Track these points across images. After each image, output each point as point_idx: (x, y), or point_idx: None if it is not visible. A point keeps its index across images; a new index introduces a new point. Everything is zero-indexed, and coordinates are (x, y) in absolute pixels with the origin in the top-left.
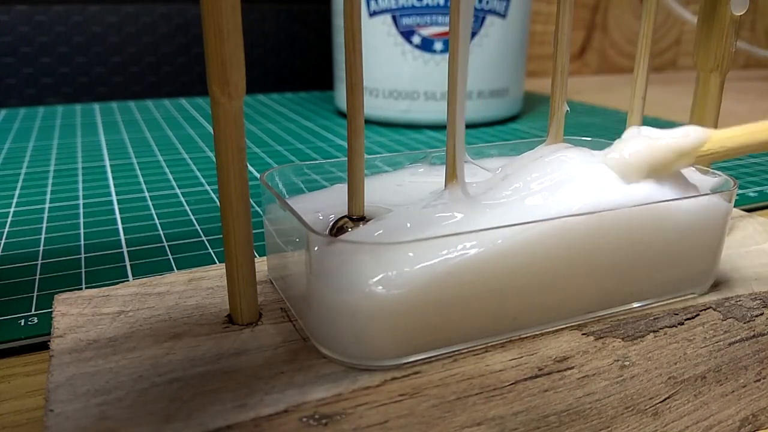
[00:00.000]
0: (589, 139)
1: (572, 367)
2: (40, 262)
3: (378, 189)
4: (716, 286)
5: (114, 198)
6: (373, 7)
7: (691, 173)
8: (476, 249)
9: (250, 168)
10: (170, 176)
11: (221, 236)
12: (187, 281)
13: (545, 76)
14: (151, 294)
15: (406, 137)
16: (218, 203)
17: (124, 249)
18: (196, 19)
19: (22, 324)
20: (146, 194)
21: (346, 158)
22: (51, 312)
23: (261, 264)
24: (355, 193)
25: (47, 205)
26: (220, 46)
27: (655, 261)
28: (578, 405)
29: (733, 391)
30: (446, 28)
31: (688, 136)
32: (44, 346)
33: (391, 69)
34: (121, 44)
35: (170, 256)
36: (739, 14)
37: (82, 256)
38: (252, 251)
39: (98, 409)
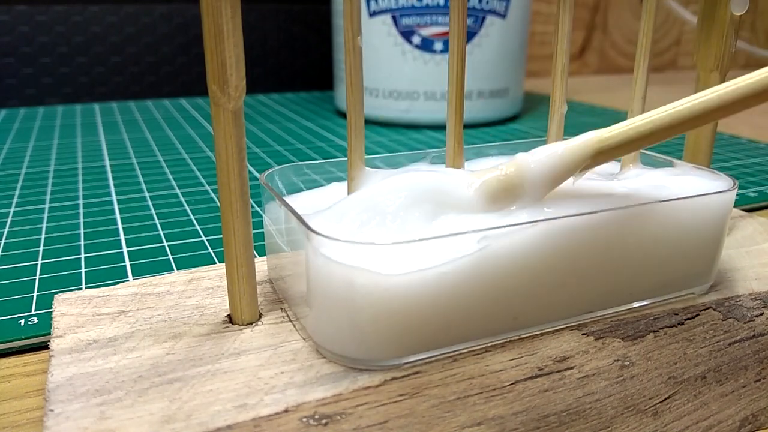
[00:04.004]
0: None
1: (572, 367)
2: (40, 262)
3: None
4: (716, 286)
5: (114, 198)
6: (373, 7)
7: (692, 173)
8: (476, 249)
9: (250, 168)
10: (170, 176)
11: (221, 236)
12: (187, 281)
13: (545, 76)
14: (151, 294)
15: (406, 137)
16: (218, 203)
17: (124, 249)
18: (196, 19)
19: (22, 324)
20: (146, 194)
21: (346, 158)
22: (51, 312)
23: (261, 264)
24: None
25: (47, 205)
26: (220, 46)
27: (655, 261)
28: (578, 405)
29: (733, 391)
30: (446, 28)
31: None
32: (44, 346)
33: (391, 69)
34: (121, 44)
35: (170, 256)
36: (739, 14)
37: (82, 256)
38: (252, 251)
39: (98, 409)
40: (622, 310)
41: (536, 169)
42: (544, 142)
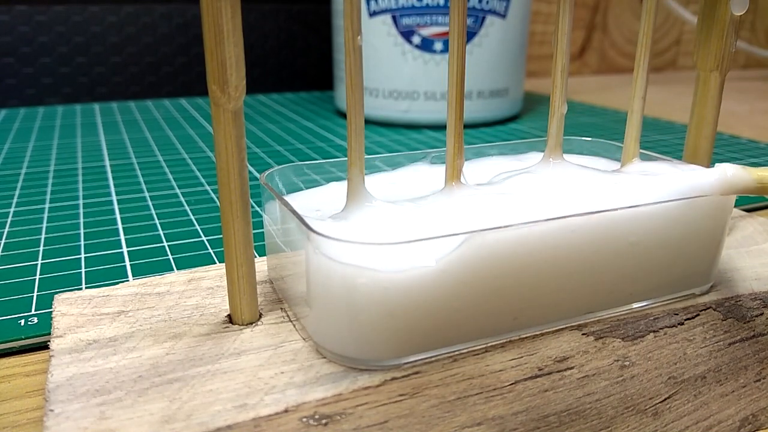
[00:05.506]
0: (589, 139)
1: (572, 367)
2: (40, 262)
3: (376, 187)
4: (716, 286)
5: (114, 198)
6: (373, 7)
7: (692, 173)
8: (476, 249)
9: (250, 168)
10: (170, 176)
11: (221, 236)
12: (187, 281)
13: (545, 76)
14: (151, 294)
15: (406, 137)
16: (218, 203)
17: (124, 249)
18: (196, 19)
19: (22, 324)
20: (146, 194)
21: (346, 158)
22: (51, 312)
23: (261, 264)
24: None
25: (47, 205)
26: (219, 46)
27: (655, 261)
28: (578, 405)
29: (733, 391)
30: (446, 28)
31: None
32: (44, 346)
33: (391, 69)
34: (121, 44)
35: (170, 256)
36: (739, 14)
37: (82, 256)
38: (252, 251)
39: (98, 409)
40: (622, 310)
41: None
42: (544, 143)
